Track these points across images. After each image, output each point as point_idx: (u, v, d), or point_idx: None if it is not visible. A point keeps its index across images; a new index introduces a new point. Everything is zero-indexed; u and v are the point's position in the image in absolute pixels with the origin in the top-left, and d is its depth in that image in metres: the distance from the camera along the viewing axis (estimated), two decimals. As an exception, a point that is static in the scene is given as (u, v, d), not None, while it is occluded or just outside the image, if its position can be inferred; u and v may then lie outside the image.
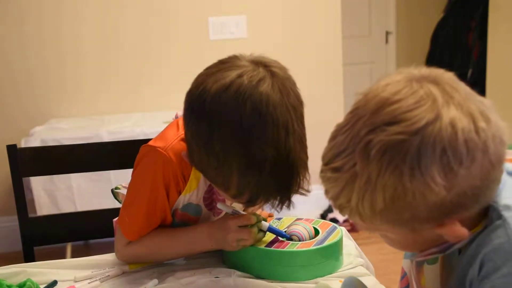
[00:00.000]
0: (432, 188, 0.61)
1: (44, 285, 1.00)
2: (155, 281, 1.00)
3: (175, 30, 3.06)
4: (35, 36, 2.90)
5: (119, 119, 2.77)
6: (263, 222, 1.02)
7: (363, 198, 0.65)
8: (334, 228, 1.08)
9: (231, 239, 0.99)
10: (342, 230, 1.09)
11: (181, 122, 1.03)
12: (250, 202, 0.93)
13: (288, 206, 0.96)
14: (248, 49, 3.45)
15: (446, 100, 0.63)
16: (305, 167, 0.94)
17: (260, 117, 0.86)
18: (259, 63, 0.93)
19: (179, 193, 1.04)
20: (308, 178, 0.95)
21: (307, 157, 0.95)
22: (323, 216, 3.22)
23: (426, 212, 0.64)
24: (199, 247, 1.06)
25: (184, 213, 1.07)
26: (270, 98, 0.87)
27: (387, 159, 0.62)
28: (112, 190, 1.21)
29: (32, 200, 2.52)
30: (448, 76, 0.67)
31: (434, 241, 0.72)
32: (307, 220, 1.11)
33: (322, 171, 0.73)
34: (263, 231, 1.02)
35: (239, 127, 0.86)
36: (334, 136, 0.72)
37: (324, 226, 1.09)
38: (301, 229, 1.05)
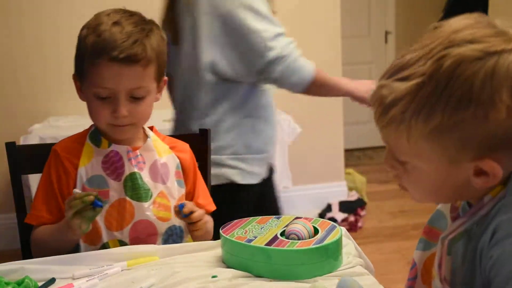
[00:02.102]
0: (496, 106, 0.65)
1: (42, 283, 1.00)
2: (152, 280, 0.99)
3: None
4: (35, 34, 2.90)
5: (118, 117, 2.77)
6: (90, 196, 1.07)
7: (421, 109, 0.68)
8: (334, 227, 1.08)
9: (66, 216, 1.07)
10: (342, 230, 1.09)
11: None
12: (94, 57, 1.12)
13: (126, 61, 1.12)
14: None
15: None
16: (141, 38, 1.16)
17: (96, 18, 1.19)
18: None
19: (75, 169, 1.19)
20: (148, 46, 1.15)
21: (143, 38, 1.16)
22: (322, 215, 3.22)
23: (476, 136, 0.67)
24: (64, 229, 1.11)
25: (91, 190, 1.17)
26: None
27: (460, 71, 0.66)
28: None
29: (30, 198, 2.51)
30: None
31: (460, 191, 0.74)
32: (306, 219, 1.11)
33: (380, 84, 0.73)
34: (92, 209, 1.06)
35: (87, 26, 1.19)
36: (401, 56, 0.74)
37: (324, 225, 1.09)
38: (300, 227, 1.05)
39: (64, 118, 2.84)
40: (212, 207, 1.33)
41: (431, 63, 0.68)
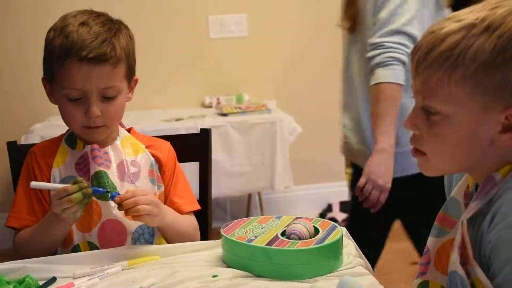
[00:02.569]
0: None
1: (43, 282, 1.00)
2: (153, 279, 0.99)
3: (175, 28, 3.06)
4: (35, 34, 2.89)
5: (118, 117, 2.77)
6: (89, 188, 1.08)
7: (471, 46, 0.71)
8: (334, 227, 1.08)
9: (57, 211, 1.06)
10: (342, 230, 1.09)
11: None
12: (62, 58, 1.12)
13: (94, 60, 1.13)
14: (248, 47, 3.48)
15: None
16: (109, 39, 1.17)
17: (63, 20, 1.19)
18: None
19: (49, 170, 1.21)
20: (115, 45, 1.16)
21: (111, 38, 1.17)
22: (322, 215, 3.22)
23: None
24: (53, 223, 1.12)
25: None
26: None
27: None
28: None
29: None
30: None
31: (481, 153, 0.77)
32: (307, 219, 1.11)
33: (429, 30, 0.78)
34: (88, 196, 1.07)
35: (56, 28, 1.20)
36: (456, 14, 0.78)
37: (324, 225, 1.09)
38: (301, 227, 1.05)
39: (65, 118, 2.84)
40: (190, 208, 1.29)
41: (488, 9, 0.73)
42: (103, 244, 1.18)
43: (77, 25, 1.14)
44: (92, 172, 1.19)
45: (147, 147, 1.28)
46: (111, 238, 1.18)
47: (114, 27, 1.18)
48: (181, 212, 1.27)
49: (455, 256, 0.78)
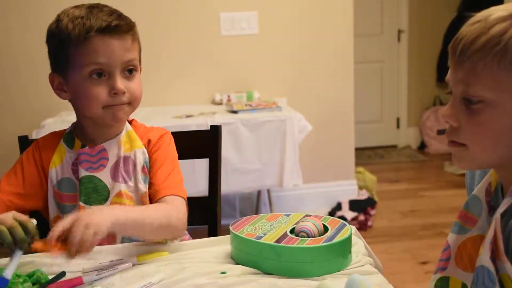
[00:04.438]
0: None
1: (52, 276, 1.01)
2: (162, 275, 1.00)
3: (186, 25, 3.07)
4: (46, 28, 2.92)
5: (129, 113, 2.78)
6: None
7: None
8: (344, 226, 1.07)
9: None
10: (352, 228, 1.08)
11: None
12: (88, 33, 1.11)
13: (120, 30, 1.14)
14: (259, 45, 3.48)
15: None
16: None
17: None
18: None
19: (44, 169, 1.20)
20: (131, 22, 1.18)
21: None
22: (331, 214, 3.22)
23: None
24: None
25: (60, 193, 1.19)
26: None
27: None
28: None
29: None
30: None
31: None
32: (316, 216, 1.11)
33: (473, 20, 0.77)
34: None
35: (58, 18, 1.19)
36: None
37: (333, 223, 1.09)
38: (310, 225, 1.05)
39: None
40: (168, 192, 1.17)
41: None
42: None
43: (86, 9, 1.15)
44: (81, 173, 1.19)
45: (145, 143, 1.24)
46: (101, 242, 1.10)
47: (108, 6, 1.20)
48: (159, 196, 1.18)
49: (485, 251, 0.78)
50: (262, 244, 1.01)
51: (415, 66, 4.87)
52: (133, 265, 1.06)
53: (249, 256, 1.03)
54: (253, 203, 3.29)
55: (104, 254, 1.09)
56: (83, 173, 1.19)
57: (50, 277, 1.00)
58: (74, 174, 1.20)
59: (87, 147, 1.21)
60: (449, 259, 0.91)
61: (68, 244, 0.94)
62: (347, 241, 1.03)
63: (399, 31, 4.83)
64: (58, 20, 1.17)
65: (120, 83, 1.14)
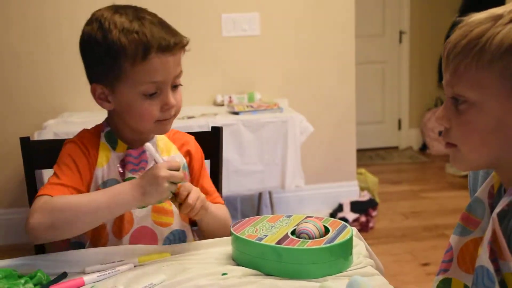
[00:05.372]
0: None
1: (54, 277, 1.01)
2: (163, 276, 1.00)
3: (188, 26, 3.06)
4: (52, 31, 2.92)
5: (131, 114, 2.78)
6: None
7: (499, 31, 0.74)
8: (345, 227, 1.07)
9: (161, 180, 1.03)
10: (353, 230, 1.08)
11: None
12: (147, 54, 1.08)
13: (183, 45, 1.15)
14: (261, 46, 3.49)
15: None
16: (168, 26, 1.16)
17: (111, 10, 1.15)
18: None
19: (93, 166, 1.16)
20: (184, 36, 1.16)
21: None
22: (333, 215, 3.21)
23: None
24: (122, 199, 1.05)
25: None
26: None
27: None
28: None
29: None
30: None
31: (508, 146, 0.78)
32: (317, 218, 1.11)
33: (462, 24, 0.81)
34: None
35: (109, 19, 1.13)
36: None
37: (335, 224, 1.09)
38: (311, 227, 1.05)
39: (78, 114, 2.86)
40: (219, 200, 1.31)
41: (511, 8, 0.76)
42: None
43: (132, 18, 1.11)
44: (127, 176, 1.18)
45: (179, 147, 1.28)
46: (140, 241, 1.17)
47: (151, 13, 1.17)
48: (214, 202, 1.28)
49: (484, 251, 0.78)
50: (263, 245, 1.01)
51: (416, 67, 4.87)
52: (135, 266, 1.06)
53: (250, 257, 1.03)
54: (255, 205, 3.29)
55: (106, 255, 1.09)
56: (128, 175, 1.18)
57: (52, 278, 1.01)
58: (120, 176, 1.18)
59: (133, 149, 1.19)
60: (451, 261, 0.91)
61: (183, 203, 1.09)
62: (348, 243, 1.03)
63: (401, 32, 4.83)
64: (103, 29, 1.11)
65: (172, 97, 1.14)
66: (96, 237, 1.18)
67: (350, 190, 3.38)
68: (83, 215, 1.05)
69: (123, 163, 1.19)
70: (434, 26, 4.69)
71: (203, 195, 1.14)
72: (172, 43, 1.11)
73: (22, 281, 0.96)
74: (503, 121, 0.78)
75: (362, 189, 3.46)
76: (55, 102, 2.98)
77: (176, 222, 1.23)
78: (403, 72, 4.89)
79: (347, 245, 1.03)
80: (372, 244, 1.18)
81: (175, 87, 1.16)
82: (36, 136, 2.55)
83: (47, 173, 2.48)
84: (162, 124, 1.16)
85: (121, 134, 1.21)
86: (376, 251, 1.15)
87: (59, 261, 1.07)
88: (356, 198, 3.36)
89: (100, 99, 1.17)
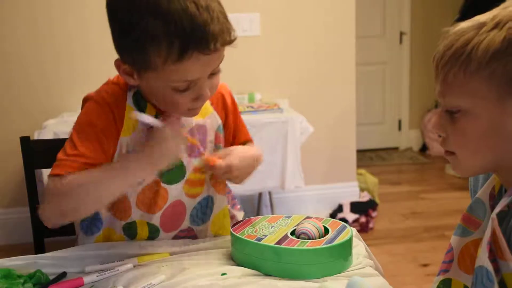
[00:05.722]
0: None
1: (53, 277, 1.01)
2: (162, 277, 1.00)
3: (189, 26, 3.07)
4: (49, 30, 2.92)
5: (131, 114, 2.78)
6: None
7: (484, 38, 0.76)
8: (344, 227, 1.07)
9: (167, 142, 0.99)
10: (352, 230, 1.08)
11: (110, 79, 1.11)
12: (183, 53, 0.92)
13: (229, 42, 0.98)
14: (261, 46, 3.49)
15: None
16: (227, 19, 0.98)
17: None
18: None
19: (118, 133, 1.04)
20: (233, 30, 0.99)
21: (226, 13, 0.99)
22: (332, 216, 3.21)
23: None
24: (133, 178, 1.01)
25: None
26: None
27: None
28: None
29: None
30: None
31: (505, 146, 0.79)
32: (317, 218, 1.11)
33: (448, 34, 0.83)
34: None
35: None
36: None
37: (334, 225, 1.09)
38: (310, 227, 1.05)
39: (78, 114, 2.86)
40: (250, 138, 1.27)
41: (497, 10, 0.78)
42: (164, 226, 1.15)
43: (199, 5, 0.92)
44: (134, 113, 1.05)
45: (215, 105, 1.17)
46: (172, 219, 1.16)
47: None
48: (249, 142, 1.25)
49: (483, 252, 0.78)
50: (262, 245, 1.01)
51: (417, 68, 4.87)
52: (134, 266, 1.06)
53: (249, 257, 1.03)
54: (255, 205, 3.29)
55: (105, 255, 1.09)
56: None
57: (51, 277, 1.01)
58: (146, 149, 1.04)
59: (161, 117, 1.06)
60: (451, 261, 0.91)
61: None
62: (348, 243, 1.03)
63: (401, 33, 4.83)
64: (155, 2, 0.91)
65: (207, 90, 1.02)
66: (119, 209, 1.13)
67: (350, 191, 3.38)
68: (92, 202, 0.99)
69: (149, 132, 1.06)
70: (435, 27, 4.69)
71: (236, 162, 1.08)
72: (219, 44, 0.95)
73: (21, 280, 0.96)
74: (497, 124, 0.79)
75: (362, 189, 3.46)
76: (55, 102, 2.98)
77: (204, 189, 1.18)
78: (403, 73, 4.89)
79: (347, 246, 1.03)
80: (372, 244, 1.18)
81: (213, 74, 1.03)
82: (36, 136, 2.55)
83: (46, 173, 2.50)
84: (193, 112, 1.06)
85: (149, 99, 1.08)
86: (376, 251, 1.16)
87: (59, 261, 1.07)
88: (356, 198, 3.36)
89: (125, 74, 1.02)
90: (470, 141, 0.82)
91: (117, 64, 1.03)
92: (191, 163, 1.13)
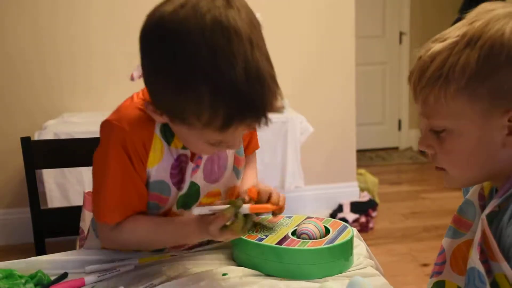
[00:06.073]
0: None
1: (55, 277, 1.01)
2: (163, 277, 1.00)
3: (189, 26, 3.07)
4: (50, 31, 2.92)
5: (131, 114, 2.78)
6: (244, 206, 0.95)
7: (457, 62, 0.75)
8: (345, 228, 1.07)
9: (221, 239, 0.98)
10: (353, 230, 1.08)
11: (136, 94, 1.03)
12: (225, 126, 0.86)
13: (266, 123, 0.90)
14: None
15: None
16: (276, 82, 0.90)
17: (223, 29, 0.81)
18: None
19: (144, 165, 0.99)
20: (280, 94, 0.91)
21: (275, 73, 0.91)
22: (332, 216, 3.21)
23: (509, 82, 0.73)
24: (188, 240, 1.06)
25: (155, 194, 1.02)
26: (229, 11, 0.83)
27: (491, 26, 0.74)
28: None
29: (44, 193, 2.54)
30: None
31: (494, 158, 0.79)
32: (317, 218, 1.11)
33: (420, 56, 0.82)
34: (251, 220, 0.96)
35: (203, 42, 0.80)
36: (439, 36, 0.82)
37: (335, 225, 1.09)
38: (311, 227, 1.05)
39: (78, 114, 2.86)
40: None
41: (465, 27, 0.77)
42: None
43: (250, 54, 0.84)
44: (186, 181, 1.03)
45: None
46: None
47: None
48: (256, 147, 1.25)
49: (474, 253, 0.78)
50: (263, 246, 1.01)
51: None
52: (135, 266, 1.06)
53: (250, 258, 1.03)
54: (255, 205, 3.29)
55: (106, 255, 1.09)
56: (187, 180, 1.03)
57: (52, 278, 1.01)
58: (171, 179, 1.02)
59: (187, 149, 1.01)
60: (444, 263, 0.92)
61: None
62: (349, 243, 1.03)
63: (401, 33, 4.83)
64: (227, 60, 0.82)
65: (238, 142, 0.97)
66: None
67: (350, 191, 3.38)
68: (151, 247, 1.09)
69: (177, 163, 1.02)
70: (434, 27, 4.67)
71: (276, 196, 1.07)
72: (274, 109, 0.90)
73: (23, 281, 0.96)
74: (485, 139, 0.78)
75: (362, 189, 3.46)
76: (55, 102, 2.98)
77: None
78: (403, 73, 4.89)
79: (348, 246, 1.03)
80: (372, 244, 1.19)
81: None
82: (36, 136, 2.55)
83: (47, 173, 2.51)
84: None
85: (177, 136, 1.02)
86: (376, 251, 1.16)
87: (60, 261, 1.07)
88: (356, 198, 3.36)
89: (153, 112, 0.94)
90: (459, 159, 0.82)
91: (144, 98, 0.98)
92: (207, 187, 1.08)
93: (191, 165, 1.03)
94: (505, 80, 0.74)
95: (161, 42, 0.84)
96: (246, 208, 0.96)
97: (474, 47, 0.75)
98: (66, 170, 2.51)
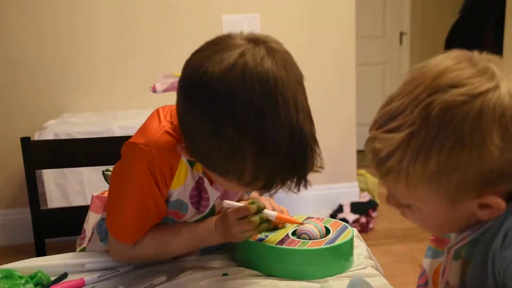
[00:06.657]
0: (488, 149, 0.64)
1: (55, 277, 1.01)
2: (163, 277, 1.00)
3: (188, 27, 3.07)
4: (51, 31, 2.92)
5: (131, 115, 2.78)
6: (267, 211, 0.99)
7: (416, 158, 0.68)
8: (345, 228, 1.07)
9: (234, 231, 0.97)
10: (353, 230, 1.08)
11: (162, 113, 1.01)
12: (266, 188, 0.87)
13: (305, 186, 0.90)
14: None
15: (502, 75, 0.67)
16: (316, 142, 0.92)
17: (271, 95, 0.81)
18: (256, 40, 0.88)
19: (168, 186, 0.99)
20: (319, 153, 0.91)
21: (315, 131, 0.92)
22: (333, 216, 3.21)
23: (474, 176, 0.67)
24: (207, 242, 1.05)
25: (174, 211, 1.03)
26: (277, 75, 0.84)
27: (449, 118, 0.65)
28: (103, 172, 1.18)
29: (44, 193, 2.54)
30: (496, 58, 0.72)
31: (466, 220, 0.74)
32: (318, 219, 1.11)
33: (372, 136, 0.75)
34: (267, 221, 0.98)
35: (251, 108, 0.80)
36: (388, 103, 0.75)
37: (335, 225, 1.09)
38: (312, 227, 1.05)
39: (78, 115, 2.86)
40: None
41: (418, 111, 0.68)
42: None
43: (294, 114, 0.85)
44: (209, 206, 1.04)
45: None
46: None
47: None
48: None
49: (440, 281, 0.78)
50: (263, 246, 1.01)
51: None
52: (135, 267, 1.06)
53: (251, 258, 1.03)
54: (255, 205, 3.29)
55: (107, 255, 1.09)
56: (212, 202, 1.04)
57: (52, 278, 1.01)
58: (190, 199, 1.02)
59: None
60: (427, 284, 0.90)
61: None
62: (349, 244, 1.03)
63: (401, 34, 4.83)
64: (273, 126, 0.82)
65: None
66: None
67: (350, 191, 3.38)
68: (170, 255, 1.08)
69: (197, 185, 1.02)
70: (435, 28, 4.69)
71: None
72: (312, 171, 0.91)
73: (23, 281, 0.96)
74: (453, 214, 0.73)
75: (362, 190, 3.46)
76: (56, 102, 2.98)
77: None
78: (403, 73, 4.89)
79: (348, 246, 1.03)
80: (372, 245, 1.18)
81: None
82: (36, 137, 2.55)
83: (47, 173, 2.51)
84: None
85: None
86: (376, 252, 1.16)
87: (60, 261, 1.07)
88: (356, 199, 3.36)
89: (184, 151, 0.94)
90: (430, 224, 0.78)
91: (172, 121, 0.97)
92: (219, 204, 1.06)
93: (215, 193, 1.02)
94: (470, 174, 0.67)
95: (207, 104, 0.83)
96: (272, 215, 0.99)
97: (434, 144, 0.66)
98: (66, 170, 2.51)
